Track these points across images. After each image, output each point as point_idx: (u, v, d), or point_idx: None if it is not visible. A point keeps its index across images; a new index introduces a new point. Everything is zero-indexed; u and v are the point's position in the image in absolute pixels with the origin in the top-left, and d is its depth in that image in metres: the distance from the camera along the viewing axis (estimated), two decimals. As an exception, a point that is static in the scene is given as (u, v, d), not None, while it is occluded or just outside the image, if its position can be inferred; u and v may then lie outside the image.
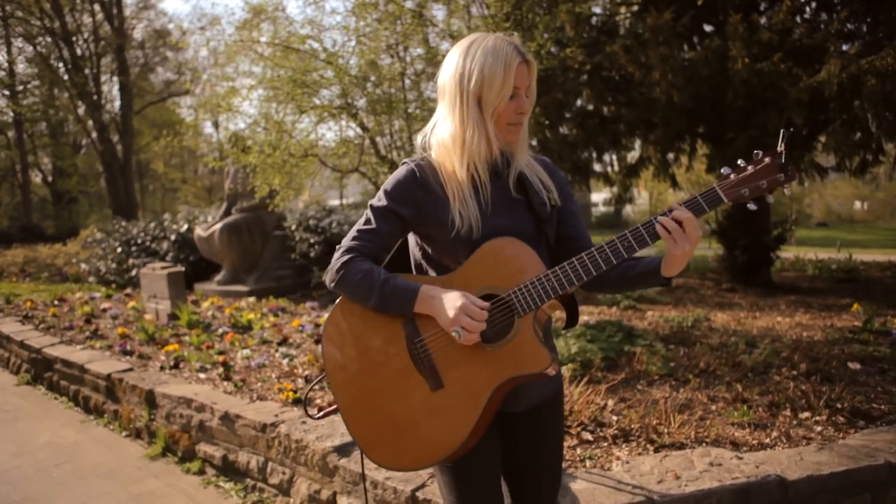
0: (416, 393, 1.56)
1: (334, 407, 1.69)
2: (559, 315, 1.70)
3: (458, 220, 1.54)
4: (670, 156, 8.70)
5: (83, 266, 12.21)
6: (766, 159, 1.45)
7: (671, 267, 1.50)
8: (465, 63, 1.53)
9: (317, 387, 4.14)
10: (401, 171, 1.62)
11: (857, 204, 41.09)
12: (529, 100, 1.58)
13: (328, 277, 1.63)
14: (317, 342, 5.43)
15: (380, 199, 1.62)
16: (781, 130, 1.47)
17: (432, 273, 1.65)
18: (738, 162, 1.48)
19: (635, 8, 8.15)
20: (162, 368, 4.85)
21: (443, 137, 1.58)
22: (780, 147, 1.45)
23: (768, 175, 1.45)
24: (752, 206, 1.47)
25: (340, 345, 1.64)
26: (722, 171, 1.48)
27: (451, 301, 1.49)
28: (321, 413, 1.80)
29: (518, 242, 1.53)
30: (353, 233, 1.63)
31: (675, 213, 1.44)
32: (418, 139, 1.66)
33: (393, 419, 1.58)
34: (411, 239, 1.71)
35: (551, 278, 1.50)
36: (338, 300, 1.66)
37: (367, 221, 1.62)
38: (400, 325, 1.58)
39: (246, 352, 5.10)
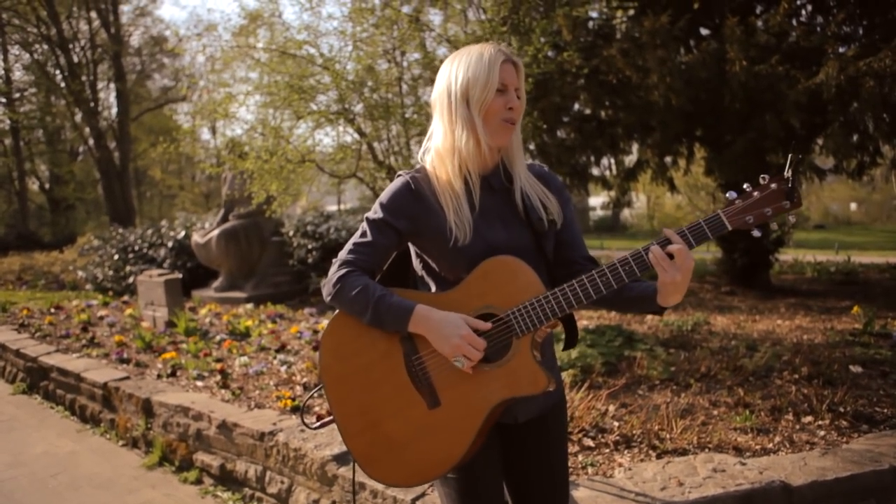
0: (414, 410, 1.55)
1: (331, 418, 1.68)
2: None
3: (455, 229, 1.53)
4: (668, 159, 8.66)
5: (80, 273, 12.16)
6: (773, 185, 1.43)
7: (665, 296, 1.48)
8: (451, 70, 1.57)
9: (315, 395, 4.11)
10: (396, 184, 1.62)
11: (853, 205, 41.14)
12: (520, 101, 1.58)
13: (325, 291, 1.62)
14: (315, 349, 5.40)
15: (376, 212, 1.61)
16: (790, 155, 1.43)
17: (433, 286, 1.64)
18: (745, 186, 1.45)
19: (632, 12, 8.15)
20: (159, 377, 4.81)
21: (437, 146, 1.60)
22: (787, 173, 1.42)
23: (774, 202, 1.42)
24: (756, 234, 1.44)
25: (338, 359, 1.62)
26: (727, 195, 1.46)
27: (454, 328, 1.48)
28: (318, 423, 1.78)
29: (518, 261, 1.52)
30: (349, 246, 1.62)
31: (670, 247, 1.42)
32: (419, 156, 1.67)
33: (390, 436, 1.57)
34: (412, 252, 1.70)
35: (551, 300, 1.49)
36: (336, 313, 1.64)
37: (363, 234, 1.61)
38: (398, 342, 1.57)
39: (244, 359, 5.07)
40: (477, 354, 1.47)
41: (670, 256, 1.42)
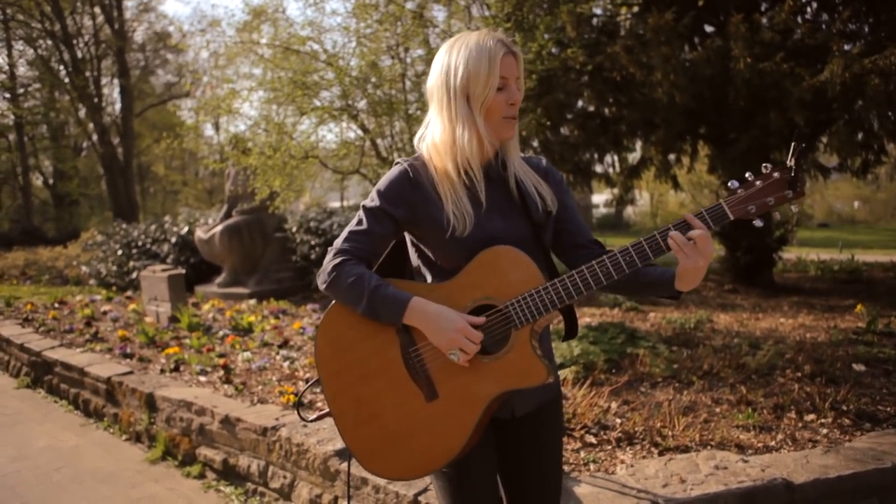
0: (411, 403, 1.53)
1: (327, 411, 1.66)
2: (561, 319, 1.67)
3: (453, 219, 1.51)
4: (672, 157, 8.65)
5: (84, 269, 12.19)
6: (776, 174, 1.41)
7: (684, 281, 1.47)
8: (449, 61, 1.52)
9: (313, 389, 4.12)
10: (393, 171, 1.59)
11: (857, 204, 40.95)
12: (520, 92, 1.55)
13: (320, 279, 1.59)
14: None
15: (372, 200, 1.58)
16: (792, 144, 1.41)
17: (430, 277, 1.62)
18: (747, 175, 1.43)
19: (636, 9, 8.13)
20: (162, 371, 4.83)
21: (434, 140, 1.57)
22: (790, 161, 1.40)
23: (776, 191, 1.40)
24: (757, 223, 1.43)
25: (334, 351, 1.61)
26: (729, 184, 1.44)
27: (450, 322, 1.46)
28: (314, 417, 1.77)
29: (517, 252, 1.50)
30: (344, 234, 1.59)
31: (691, 233, 1.41)
32: (415, 141, 1.64)
33: (387, 429, 1.55)
34: (408, 241, 1.68)
35: (550, 291, 1.47)
36: (331, 304, 1.62)
37: (360, 222, 1.58)
38: (395, 334, 1.55)
39: (247, 354, 5.08)
40: (473, 347, 1.46)
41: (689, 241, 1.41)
